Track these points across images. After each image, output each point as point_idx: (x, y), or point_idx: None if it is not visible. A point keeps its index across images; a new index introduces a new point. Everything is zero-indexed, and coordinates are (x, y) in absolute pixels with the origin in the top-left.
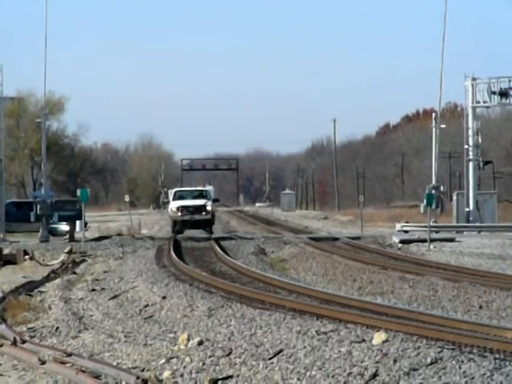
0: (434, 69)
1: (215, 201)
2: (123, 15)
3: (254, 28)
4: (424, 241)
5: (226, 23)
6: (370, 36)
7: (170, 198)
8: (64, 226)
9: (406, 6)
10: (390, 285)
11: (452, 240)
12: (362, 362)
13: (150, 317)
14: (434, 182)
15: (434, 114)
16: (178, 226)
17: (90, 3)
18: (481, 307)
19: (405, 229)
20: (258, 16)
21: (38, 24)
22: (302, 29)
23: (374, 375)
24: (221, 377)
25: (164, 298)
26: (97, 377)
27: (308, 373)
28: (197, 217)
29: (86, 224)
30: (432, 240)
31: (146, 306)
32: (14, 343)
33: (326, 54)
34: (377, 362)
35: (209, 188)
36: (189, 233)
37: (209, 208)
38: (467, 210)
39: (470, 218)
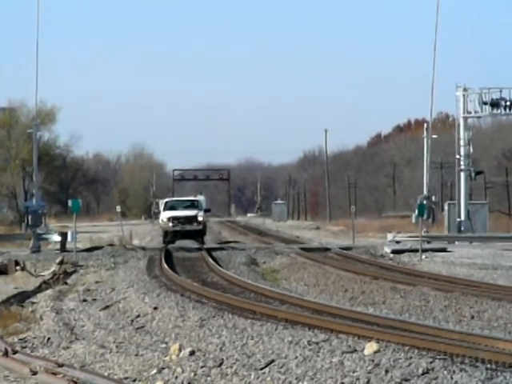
0: (425, 79)
1: (207, 211)
2: (116, 25)
3: (245, 39)
4: (416, 251)
5: (217, 33)
6: (361, 46)
7: (161, 208)
8: (55, 237)
9: (397, 15)
10: (381, 295)
11: (444, 250)
12: (353, 373)
13: (142, 327)
14: (425, 192)
15: (425, 125)
16: (169, 236)
17: (83, 13)
18: (472, 317)
19: (396, 239)
20: (251, 26)
21: (29, 33)
22: (293, 40)
23: None
24: None
25: (155, 308)
26: None
27: (300, 383)
28: (188, 227)
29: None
30: (424, 250)
31: (138, 316)
32: (6, 354)
33: (318, 64)
34: (368, 373)
35: (200, 198)
36: (180, 243)
37: (200, 218)
38: (459, 220)
39: (462, 228)
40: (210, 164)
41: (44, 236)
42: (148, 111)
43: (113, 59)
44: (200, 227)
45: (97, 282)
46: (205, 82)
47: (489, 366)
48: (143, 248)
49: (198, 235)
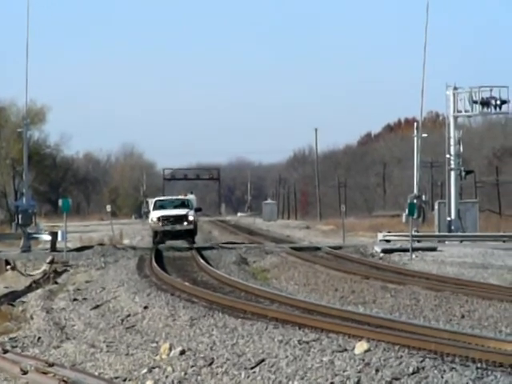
0: (415, 78)
1: (197, 210)
2: (106, 25)
3: (235, 39)
4: (406, 250)
5: (207, 35)
6: (351, 45)
7: (151, 207)
8: (46, 236)
9: (387, 15)
10: (371, 294)
11: (434, 249)
12: (344, 372)
13: (132, 326)
14: (415, 191)
15: (415, 124)
16: (159, 236)
17: (73, 13)
18: (463, 316)
19: (387, 238)
20: (241, 28)
21: (19, 33)
22: (283, 38)
23: None
24: None
25: (146, 307)
26: None
27: (290, 382)
28: (178, 227)
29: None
30: (414, 249)
31: (128, 315)
32: None
33: (308, 64)
34: (359, 372)
35: (190, 197)
36: (170, 242)
37: (191, 218)
38: (449, 219)
39: (452, 228)
40: (200, 163)
41: (34, 235)
42: (138, 111)
43: (104, 59)
44: (191, 227)
45: (87, 282)
46: (195, 82)
47: (479, 365)
48: (133, 247)
49: (189, 235)
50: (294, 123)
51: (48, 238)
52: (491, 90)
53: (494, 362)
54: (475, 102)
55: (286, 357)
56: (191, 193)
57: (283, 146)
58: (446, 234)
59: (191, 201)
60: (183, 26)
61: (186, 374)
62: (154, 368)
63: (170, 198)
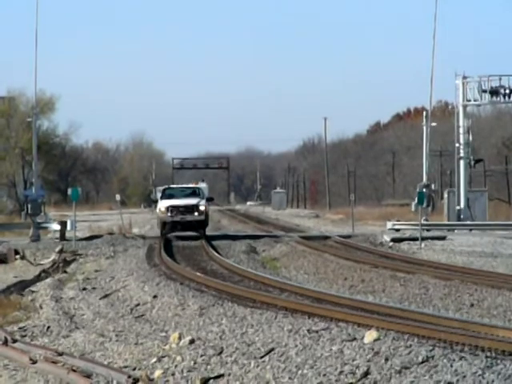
0: (424, 67)
1: (209, 200)
2: (115, 14)
3: (245, 29)
4: (415, 239)
5: (217, 23)
6: (361, 34)
7: (158, 196)
8: (55, 225)
9: (396, 3)
10: (381, 283)
11: (443, 238)
12: (353, 361)
13: (141, 316)
14: (424, 180)
15: (424, 113)
16: (168, 228)
17: (82, 2)
18: (472, 305)
19: (396, 227)
20: (250, 16)
21: (28, 22)
22: (293, 27)
23: (366, 373)
24: (212, 376)
25: (155, 296)
26: (88, 376)
27: (299, 371)
28: (188, 218)
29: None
30: (423, 238)
31: (137, 305)
32: (5, 343)
33: (317, 52)
34: (368, 361)
35: (202, 185)
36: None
37: (202, 208)
38: (458, 208)
39: (461, 216)
40: (209, 153)
41: (43, 225)
42: (147, 100)
43: (113, 48)
44: (202, 218)
45: (96, 271)
46: (204, 70)
47: (489, 354)
48: (143, 236)
49: (200, 227)
50: (304, 112)
51: (57, 227)
52: (500, 79)
53: (503, 351)
54: (484, 91)
55: (296, 346)
56: (203, 181)
57: (292, 135)
58: (455, 222)
59: (202, 189)
60: (191, 18)
61: (195, 363)
62: (163, 357)
63: (179, 186)
